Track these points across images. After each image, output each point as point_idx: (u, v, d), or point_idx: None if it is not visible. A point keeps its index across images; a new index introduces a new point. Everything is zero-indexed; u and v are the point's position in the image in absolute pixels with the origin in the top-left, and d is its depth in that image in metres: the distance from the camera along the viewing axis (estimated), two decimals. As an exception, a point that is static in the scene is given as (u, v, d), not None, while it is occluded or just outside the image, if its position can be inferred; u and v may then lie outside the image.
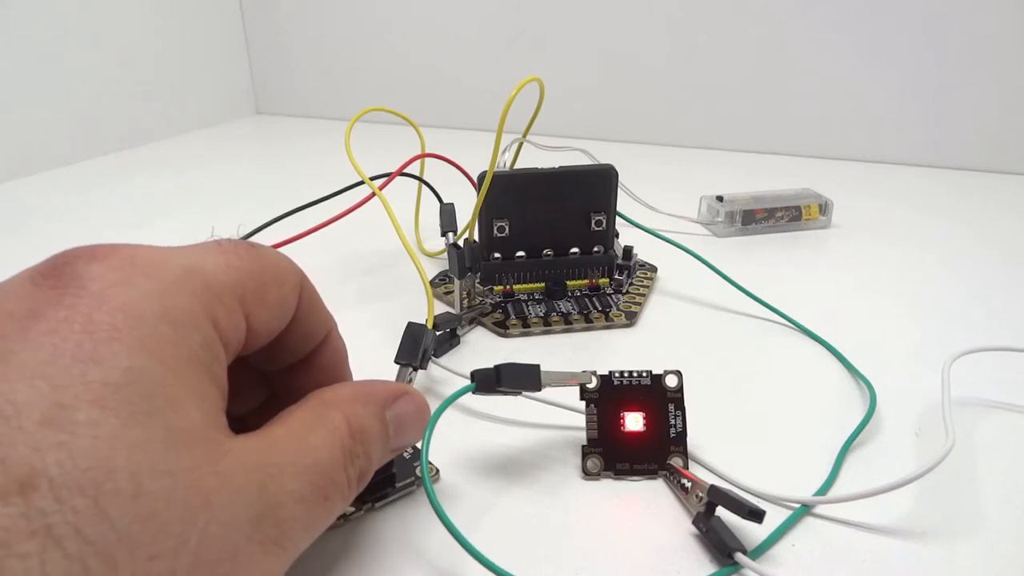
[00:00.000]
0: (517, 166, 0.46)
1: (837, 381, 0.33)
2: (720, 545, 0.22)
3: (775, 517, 0.24)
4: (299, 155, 0.76)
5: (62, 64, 0.70)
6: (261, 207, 0.55)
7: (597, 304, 0.39)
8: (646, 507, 0.25)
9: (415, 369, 0.27)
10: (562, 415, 0.29)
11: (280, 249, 0.20)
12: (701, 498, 0.23)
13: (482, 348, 0.36)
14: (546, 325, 0.37)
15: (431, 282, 0.41)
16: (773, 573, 0.22)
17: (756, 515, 0.21)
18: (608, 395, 0.26)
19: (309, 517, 0.16)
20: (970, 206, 0.58)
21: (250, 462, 0.15)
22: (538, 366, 0.25)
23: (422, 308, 0.32)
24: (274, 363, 0.21)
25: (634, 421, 0.26)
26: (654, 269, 0.44)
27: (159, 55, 0.81)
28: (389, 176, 0.40)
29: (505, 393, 0.25)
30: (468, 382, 0.25)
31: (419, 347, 0.27)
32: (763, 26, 0.71)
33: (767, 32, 0.71)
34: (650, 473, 0.26)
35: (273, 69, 0.94)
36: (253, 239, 0.43)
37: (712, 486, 0.23)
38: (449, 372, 0.31)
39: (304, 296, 0.20)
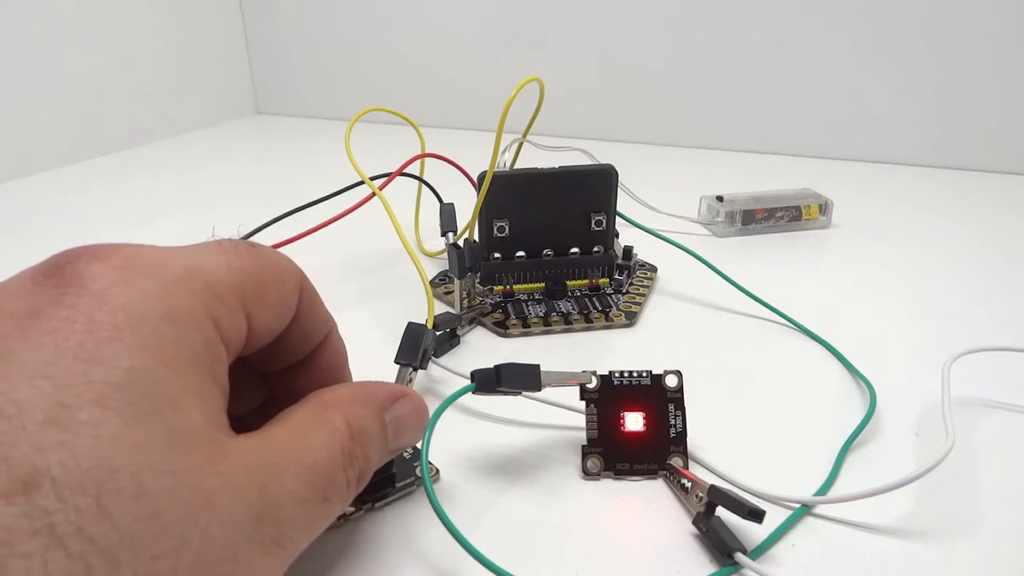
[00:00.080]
0: (517, 166, 0.46)
1: (837, 381, 0.33)
2: (720, 545, 0.22)
3: (775, 517, 0.24)
4: (299, 155, 0.76)
5: (62, 64, 0.70)
6: (261, 207, 0.55)
7: (597, 304, 0.39)
8: (646, 507, 0.25)
9: (415, 369, 0.27)
10: (562, 415, 0.29)
11: (280, 249, 0.21)
12: (701, 498, 0.23)
13: (482, 348, 0.36)
14: (546, 325, 0.37)
15: (431, 282, 0.41)
16: (773, 573, 0.22)
17: (756, 515, 0.21)
18: (608, 395, 0.26)
19: (309, 517, 0.16)
20: (970, 206, 0.58)
21: (250, 462, 0.15)
22: (538, 366, 0.25)
23: (422, 308, 0.32)
24: (274, 363, 0.21)
25: (634, 421, 0.26)
26: (654, 269, 0.44)
27: (159, 55, 0.81)
28: (389, 176, 0.40)
29: (505, 393, 0.25)
30: (468, 382, 0.25)
31: (419, 347, 0.27)
32: (763, 26, 0.71)
33: (767, 32, 0.71)
34: (650, 473, 0.26)
35: (273, 69, 0.94)
36: (253, 239, 0.43)
37: (712, 486, 0.23)
38: (449, 372, 0.31)
39: (304, 296, 0.20)
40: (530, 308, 0.38)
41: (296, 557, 0.16)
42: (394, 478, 0.24)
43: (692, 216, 0.53)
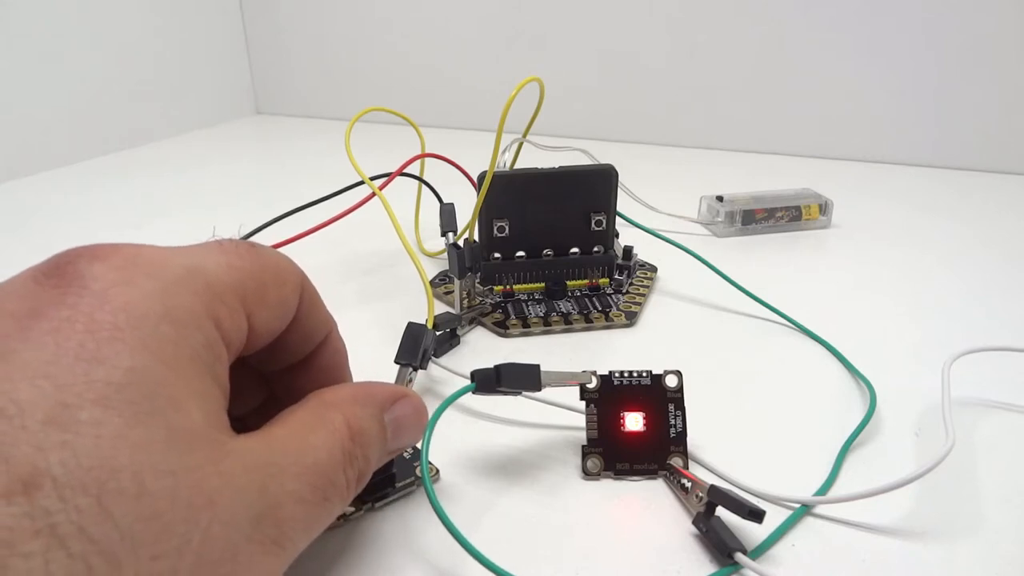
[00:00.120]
0: (517, 166, 0.46)
1: (837, 381, 0.33)
2: (720, 545, 0.22)
3: (775, 517, 0.24)
4: (299, 155, 0.76)
5: (62, 64, 0.70)
6: (261, 207, 0.55)
7: (597, 304, 0.39)
8: (646, 507, 0.25)
9: (415, 369, 0.27)
10: (562, 415, 0.29)
11: (280, 249, 0.21)
12: (701, 498, 0.23)
13: (482, 348, 0.36)
14: (546, 325, 0.37)
15: (431, 282, 0.41)
16: (773, 573, 0.22)
17: (756, 515, 0.21)
18: (608, 395, 0.26)
19: (308, 517, 0.16)
20: (970, 206, 0.58)
21: (251, 462, 0.15)
22: (538, 366, 0.25)
23: (422, 308, 0.32)
24: (274, 363, 0.21)
25: (634, 421, 0.26)
26: (654, 269, 0.44)
27: (159, 55, 0.81)
28: (389, 176, 0.40)
29: (505, 393, 0.25)
30: (468, 382, 0.25)
31: (419, 347, 0.27)
32: (763, 26, 0.71)
33: (767, 32, 0.71)
34: (650, 473, 0.26)
35: (273, 69, 0.94)
36: (253, 239, 0.43)
37: (712, 486, 0.23)
38: (449, 372, 0.31)
39: (305, 297, 0.20)
40: (530, 308, 0.38)
41: (296, 557, 0.16)
42: (394, 478, 0.24)
43: (692, 216, 0.53)
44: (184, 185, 0.65)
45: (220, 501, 0.14)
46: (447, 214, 0.39)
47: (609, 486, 0.26)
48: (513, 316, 0.37)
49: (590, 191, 0.38)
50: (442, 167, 0.43)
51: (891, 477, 0.23)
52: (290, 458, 0.16)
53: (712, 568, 0.22)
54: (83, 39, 0.72)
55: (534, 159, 0.44)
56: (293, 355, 0.21)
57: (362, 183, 0.38)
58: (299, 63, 0.92)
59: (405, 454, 0.26)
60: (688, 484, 0.24)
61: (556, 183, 0.38)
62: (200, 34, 0.86)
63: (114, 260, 0.15)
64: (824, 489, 0.25)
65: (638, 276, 0.42)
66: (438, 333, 0.34)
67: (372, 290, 0.42)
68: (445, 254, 0.41)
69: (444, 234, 0.38)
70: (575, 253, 0.39)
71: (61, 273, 0.15)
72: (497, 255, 0.39)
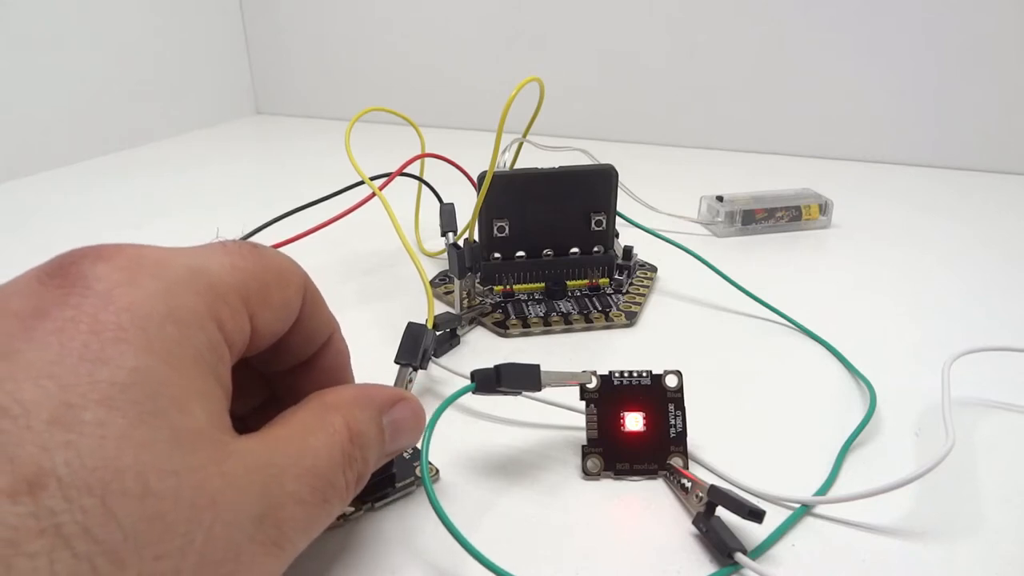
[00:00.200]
0: (517, 166, 0.46)
1: (837, 381, 0.33)
2: (720, 545, 0.22)
3: (775, 517, 0.24)
4: (299, 155, 0.76)
5: (62, 64, 0.70)
6: (261, 207, 0.55)
7: (597, 304, 0.39)
8: (646, 507, 0.25)
9: (415, 369, 0.27)
10: (562, 415, 0.29)
11: (280, 249, 0.21)
12: (701, 498, 0.23)
13: (482, 348, 0.36)
14: (546, 325, 0.37)
15: (431, 282, 0.41)
16: (773, 573, 0.22)
17: (756, 515, 0.21)
18: (608, 395, 0.26)
19: (308, 518, 0.16)
20: (970, 206, 0.58)
21: (252, 463, 0.15)
22: (538, 366, 0.25)
23: (422, 308, 0.32)
24: (277, 365, 0.21)
25: (634, 421, 0.26)
26: (654, 269, 0.44)
27: (159, 55, 0.81)
28: (389, 176, 0.40)
29: (505, 393, 0.25)
30: (468, 382, 0.25)
31: (419, 347, 0.27)
32: (763, 26, 0.71)
33: (767, 32, 0.71)
34: (650, 473, 0.26)
35: (273, 69, 0.94)
36: (253, 239, 0.43)
37: (712, 486, 0.23)
38: (449, 372, 0.31)
39: (308, 298, 0.20)
40: (530, 308, 0.38)
41: (294, 558, 0.16)
42: (394, 478, 0.24)
43: (692, 216, 0.53)
44: (184, 185, 0.65)
45: (222, 501, 0.14)
46: (447, 214, 0.39)
47: (609, 486, 0.26)
48: (513, 316, 0.37)
49: (590, 191, 0.38)
50: (442, 167, 0.43)
51: (891, 477, 0.23)
52: (291, 459, 0.16)
53: (712, 568, 0.22)
54: (83, 39, 0.72)
55: (534, 159, 0.44)
56: (296, 356, 0.21)
57: (362, 183, 0.38)
58: (299, 63, 0.92)
59: (405, 454, 0.26)
60: (688, 484, 0.24)
61: (556, 183, 0.38)
62: (200, 34, 0.86)
63: (118, 260, 0.15)
64: (824, 489, 0.25)
65: (638, 276, 0.42)
66: (438, 333, 0.34)
67: (372, 290, 0.42)
68: (445, 254, 0.41)
69: (444, 234, 0.38)
70: (575, 253, 0.39)
71: (65, 273, 0.15)
72: (497, 255, 0.39)
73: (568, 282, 0.40)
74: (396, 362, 0.27)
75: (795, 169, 0.68)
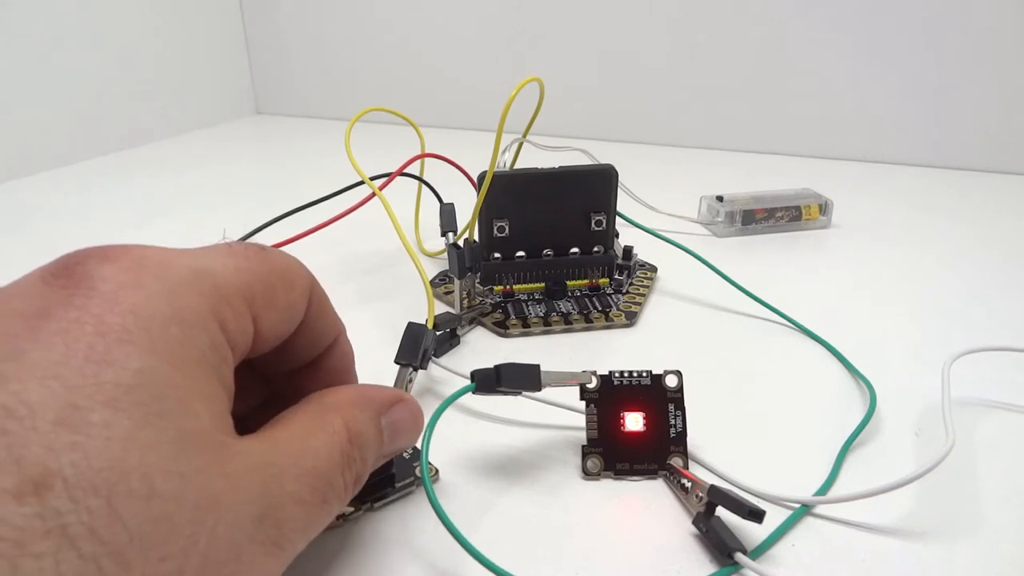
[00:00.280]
0: (517, 166, 0.46)
1: (837, 381, 0.33)
2: (720, 545, 0.22)
3: (775, 517, 0.24)
4: (299, 155, 0.76)
5: (62, 64, 0.70)
6: (261, 207, 0.55)
7: (597, 304, 0.39)
8: (646, 507, 0.25)
9: (415, 369, 0.27)
10: (562, 415, 0.29)
11: (282, 249, 0.20)
12: (701, 498, 0.23)
13: (482, 348, 0.36)
14: (546, 325, 0.37)
15: (431, 282, 0.41)
16: (773, 573, 0.22)
17: (756, 515, 0.21)
18: (608, 395, 0.26)
19: (307, 518, 0.17)
20: (970, 206, 0.58)
21: (253, 463, 0.15)
22: (538, 366, 0.25)
23: (422, 308, 0.32)
24: (282, 366, 0.21)
25: (634, 421, 0.26)
26: (654, 269, 0.44)
27: (159, 55, 0.81)
28: (389, 176, 0.40)
29: (505, 393, 0.25)
30: (468, 382, 0.25)
31: (419, 347, 0.27)
32: (763, 26, 0.71)
33: (767, 32, 0.71)
34: (650, 473, 0.26)
35: (273, 69, 0.94)
36: (253, 239, 0.43)
37: (712, 486, 0.23)
38: (449, 372, 0.31)
39: (314, 300, 0.20)
40: (530, 308, 0.38)
41: (293, 558, 0.16)
42: (393, 478, 0.24)
43: (692, 216, 0.53)
44: (184, 185, 0.65)
45: (225, 502, 0.14)
46: (447, 214, 0.39)
47: (609, 486, 0.26)
48: (513, 316, 0.37)
49: (590, 191, 0.38)
50: (442, 167, 0.43)
51: (891, 477, 0.23)
52: (291, 460, 0.16)
53: (712, 568, 0.22)
54: (83, 39, 0.72)
55: (534, 159, 0.44)
56: (300, 358, 0.21)
57: (362, 183, 0.38)
58: (299, 63, 0.92)
59: (405, 454, 0.26)
60: (688, 484, 0.24)
61: (556, 183, 0.38)
62: (200, 34, 0.86)
63: (123, 261, 0.15)
64: (824, 489, 0.25)
65: (638, 276, 0.42)
66: (438, 333, 0.34)
67: (372, 290, 0.42)
68: (445, 254, 0.41)
69: (444, 234, 0.38)
70: (575, 253, 0.39)
71: (70, 274, 0.15)
72: (497, 255, 0.39)
73: (568, 282, 0.40)
74: (396, 362, 0.27)
75: (795, 169, 0.68)
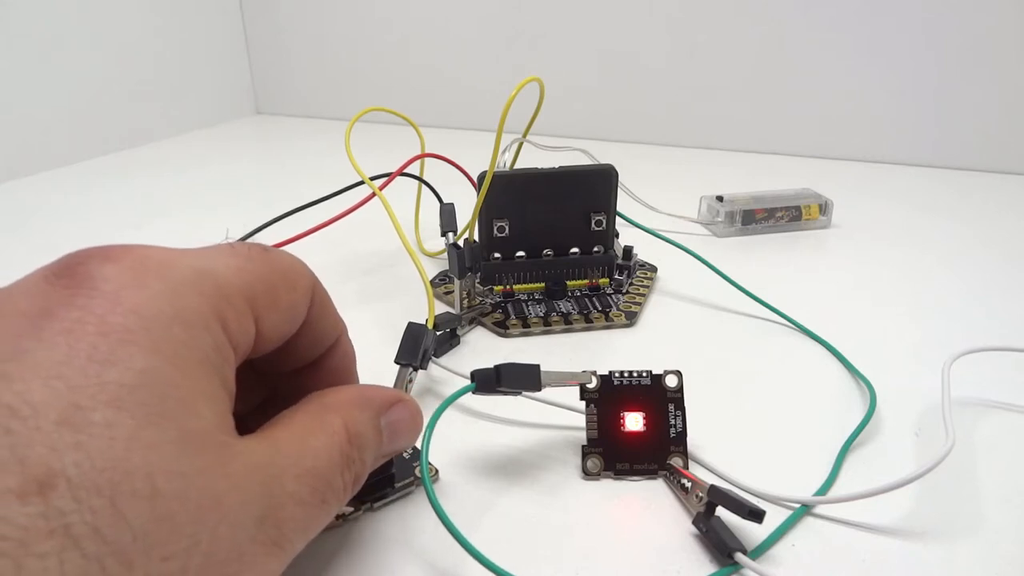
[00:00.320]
0: (517, 166, 0.46)
1: (837, 381, 0.33)
2: (720, 545, 0.22)
3: (775, 517, 0.24)
4: (299, 155, 0.76)
5: (62, 64, 0.70)
6: (261, 207, 0.55)
7: (597, 304, 0.39)
8: (646, 507, 0.25)
9: (415, 369, 0.27)
10: (562, 415, 0.29)
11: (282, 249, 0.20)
12: (701, 498, 0.23)
13: (482, 348, 0.36)
14: (546, 325, 0.37)
15: (431, 282, 0.41)
16: (773, 573, 0.22)
17: (756, 515, 0.21)
18: (608, 395, 0.26)
19: (307, 518, 0.17)
20: (970, 206, 0.58)
21: (253, 463, 0.15)
22: (538, 366, 0.25)
23: (422, 308, 0.32)
24: (284, 366, 0.21)
25: (634, 421, 0.26)
26: (654, 269, 0.44)
27: (159, 55, 0.81)
28: (389, 176, 0.40)
29: (505, 393, 0.25)
30: (468, 382, 0.25)
31: (419, 347, 0.27)
32: (763, 26, 0.71)
33: (767, 32, 0.71)
34: (650, 473, 0.26)
35: (273, 69, 0.94)
36: (253, 239, 0.43)
37: (712, 486, 0.23)
38: (449, 372, 0.31)
39: (316, 301, 0.20)
40: (530, 308, 0.38)
41: (293, 558, 0.16)
42: (393, 478, 0.24)
43: (692, 216, 0.53)
44: (184, 185, 0.65)
45: (227, 502, 0.14)
46: (447, 214, 0.39)
47: (609, 486, 0.26)
48: (513, 316, 0.37)
49: (590, 191, 0.38)
50: (442, 167, 0.43)
51: (891, 477, 0.23)
52: (291, 460, 0.16)
53: (712, 568, 0.22)
54: (83, 39, 0.72)
55: (534, 159, 0.44)
56: (302, 359, 0.21)
57: (362, 183, 0.38)
58: (299, 63, 0.92)
59: (405, 454, 0.26)
60: (688, 484, 0.24)
61: (556, 183, 0.38)
62: (200, 34, 0.86)
63: (125, 261, 0.15)
64: (824, 489, 0.25)
65: (638, 276, 0.42)
66: (438, 333, 0.34)
67: (372, 290, 0.42)
68: (445, 254, 0.41)
69: (444, 234, 0.38)
70: (575, 253, 0.39)
71: (72, 274, 0.15)
72: (497, 255, 0.39)
73: (568, 282, 0.40)
74: (396, 362, 0.27)
75: (795, 169, 0.68)
